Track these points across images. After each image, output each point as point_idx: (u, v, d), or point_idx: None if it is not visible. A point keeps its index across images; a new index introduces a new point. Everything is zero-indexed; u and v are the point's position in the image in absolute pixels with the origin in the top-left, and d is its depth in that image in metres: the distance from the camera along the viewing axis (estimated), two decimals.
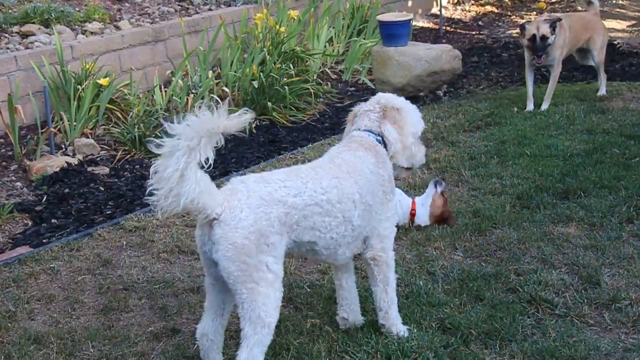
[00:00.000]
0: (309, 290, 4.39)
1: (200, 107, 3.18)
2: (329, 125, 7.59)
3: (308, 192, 3.41)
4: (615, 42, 9.89)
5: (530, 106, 7.50)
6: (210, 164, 3.14)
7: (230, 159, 6.58)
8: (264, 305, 3.26)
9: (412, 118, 3.82)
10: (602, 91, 7.83)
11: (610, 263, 4.50)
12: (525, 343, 3.75)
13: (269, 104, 7.56)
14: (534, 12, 11.90)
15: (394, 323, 3.82)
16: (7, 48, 7.21)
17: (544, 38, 7.25)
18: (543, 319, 3.98)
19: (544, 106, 7.50)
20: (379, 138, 3.76)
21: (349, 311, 3.92)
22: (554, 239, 4.82)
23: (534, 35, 7.28)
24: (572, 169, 5.82)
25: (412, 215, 5.12)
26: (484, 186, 5.69)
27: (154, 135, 3.02)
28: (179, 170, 3.07)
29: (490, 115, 7.33)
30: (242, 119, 3.19)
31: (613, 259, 4.54)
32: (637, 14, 11.61)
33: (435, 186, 5.16)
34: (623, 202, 5.22)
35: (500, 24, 11.69)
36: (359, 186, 3.56)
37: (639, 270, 4.39)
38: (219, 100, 7.25)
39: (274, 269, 3.30)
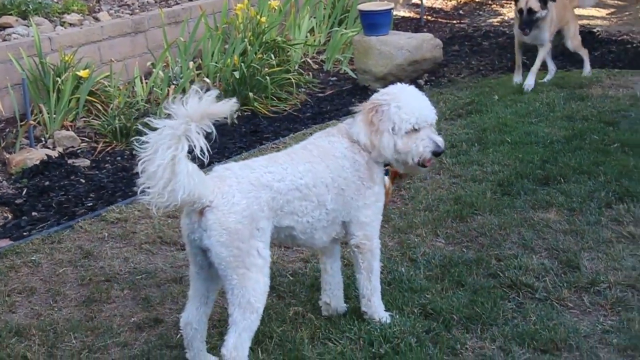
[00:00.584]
0: (291, 278, 4.41)
1: (185, 95, 3.19)
2: (311, 115, 7.59)
3: (289, 176, 3.46)
4: (595, 30, 9.96)
5: (517, 78, 7.62)
6: (206, 154, 3.16)
7: (212, 150, 6.54)
8: (253, 290, 3.30)
9: (397, 115, 3.61)
10: (587, 70, 8.07)
11: (589, 247, 4.55)
12: (506, 327, 3.79)
13: (251, 94, 7.55)
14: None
15: (377, 310, 3.84)
16: None
17: (530, 12, 7.42)
18: (524, 303, 4.02)
19: (529, 80, 7.58)
20: None
21: (332, 296, 3.94)
22: (534, 224, 4.86)
23: (521, 9, 7.43)
24: (552, 156, 5.86)
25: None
26: (465, 173, 5.73)
27: (136, 128, 3.03)
28: (166, 165, 3.07)
29: (471, 103, 7.36)
30: (228, 105, 3.21)
31: (592, 243, 4.58)
32: (616, 2, 11.67)
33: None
34: (602, 187, 5.27)
35: (481, 12, 11.70)
36: (330, 170, 3.58)
37: (617, 254, 4.43)
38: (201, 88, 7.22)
39: (264, 254, 3.35)
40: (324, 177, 3.55)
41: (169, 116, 3.17)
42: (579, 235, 4.69)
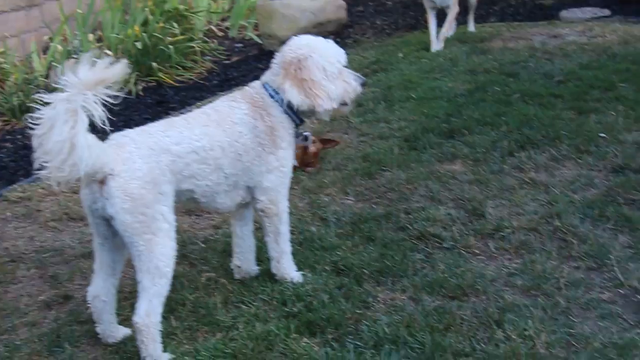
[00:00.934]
0: (203, 245, 4.37)
1: (75, 64, 3.07)
2: (218, 83, 7.52)
3: (186, 140, 3.42)
4: None
5: (435, 46, 7.66)
6: (105, 122, 3.05)
7: (118, 122, 6.39)
8: (161, 255, 3.26)
9: (322, 61, 3.62)
10: (473, 28, 8.29)
11: (493, 195, 4.68)
12: (416, 277, 3.86)
13: (154, 64, 7.40)
14: None
15: (287, 271, 3.86)
16: None
17: None
18: (432, 253, 4.11)
19: (438, 46, 7.66)
20: (272, 92, 3.67)
21: (243, 259, 3.94)
22: (440, 176, 4.96)
23: None
24: (456, 109, 5.98)
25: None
26: (373, 131, 5.79)
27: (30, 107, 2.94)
28: (64, 140, 2.98)
29: (376, 62, 7.43)
30: (120, 67, 3.11)
31: (496, 191, 4.71)
32: None
33: (297, 136, 5.22)
34: (504, 136, 5.42)
35: None
36: (227, 135, 3.55)
37: (520, 200, 4.58)
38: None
39: (169, 218, 3.31)
40: (220, 140, 3.52)
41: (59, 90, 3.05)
42: (484, 184, 4.81)
